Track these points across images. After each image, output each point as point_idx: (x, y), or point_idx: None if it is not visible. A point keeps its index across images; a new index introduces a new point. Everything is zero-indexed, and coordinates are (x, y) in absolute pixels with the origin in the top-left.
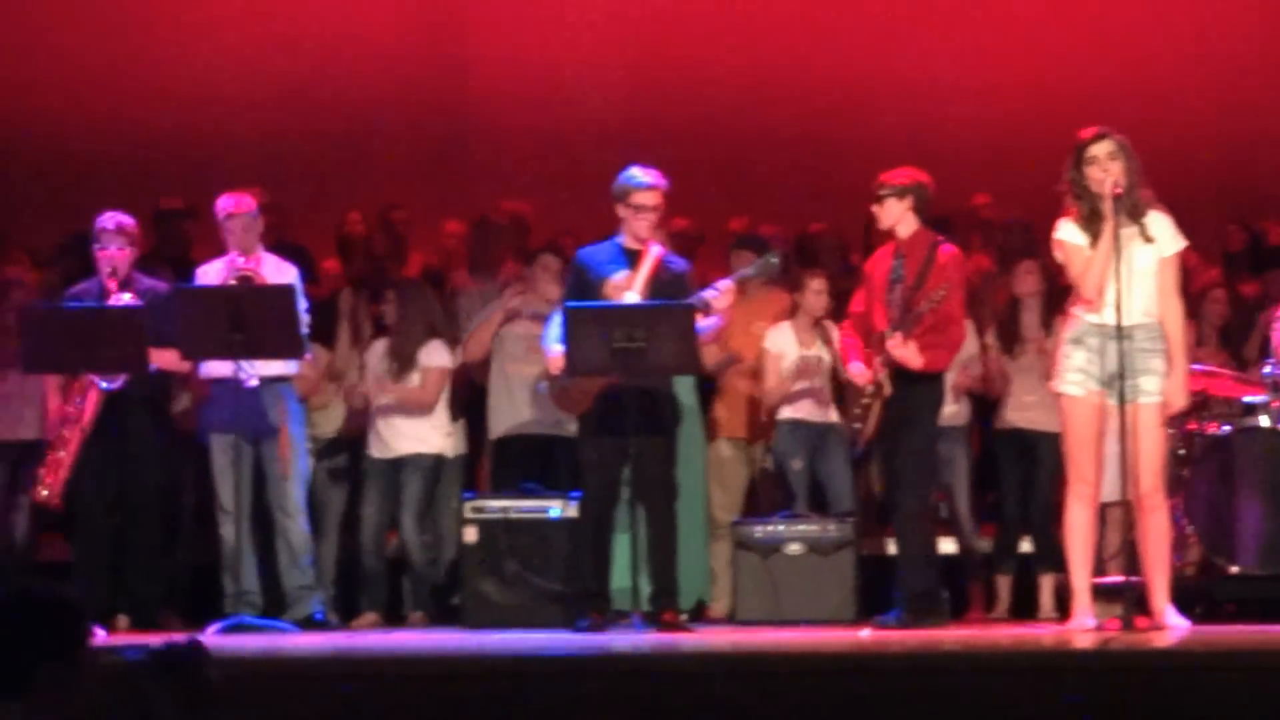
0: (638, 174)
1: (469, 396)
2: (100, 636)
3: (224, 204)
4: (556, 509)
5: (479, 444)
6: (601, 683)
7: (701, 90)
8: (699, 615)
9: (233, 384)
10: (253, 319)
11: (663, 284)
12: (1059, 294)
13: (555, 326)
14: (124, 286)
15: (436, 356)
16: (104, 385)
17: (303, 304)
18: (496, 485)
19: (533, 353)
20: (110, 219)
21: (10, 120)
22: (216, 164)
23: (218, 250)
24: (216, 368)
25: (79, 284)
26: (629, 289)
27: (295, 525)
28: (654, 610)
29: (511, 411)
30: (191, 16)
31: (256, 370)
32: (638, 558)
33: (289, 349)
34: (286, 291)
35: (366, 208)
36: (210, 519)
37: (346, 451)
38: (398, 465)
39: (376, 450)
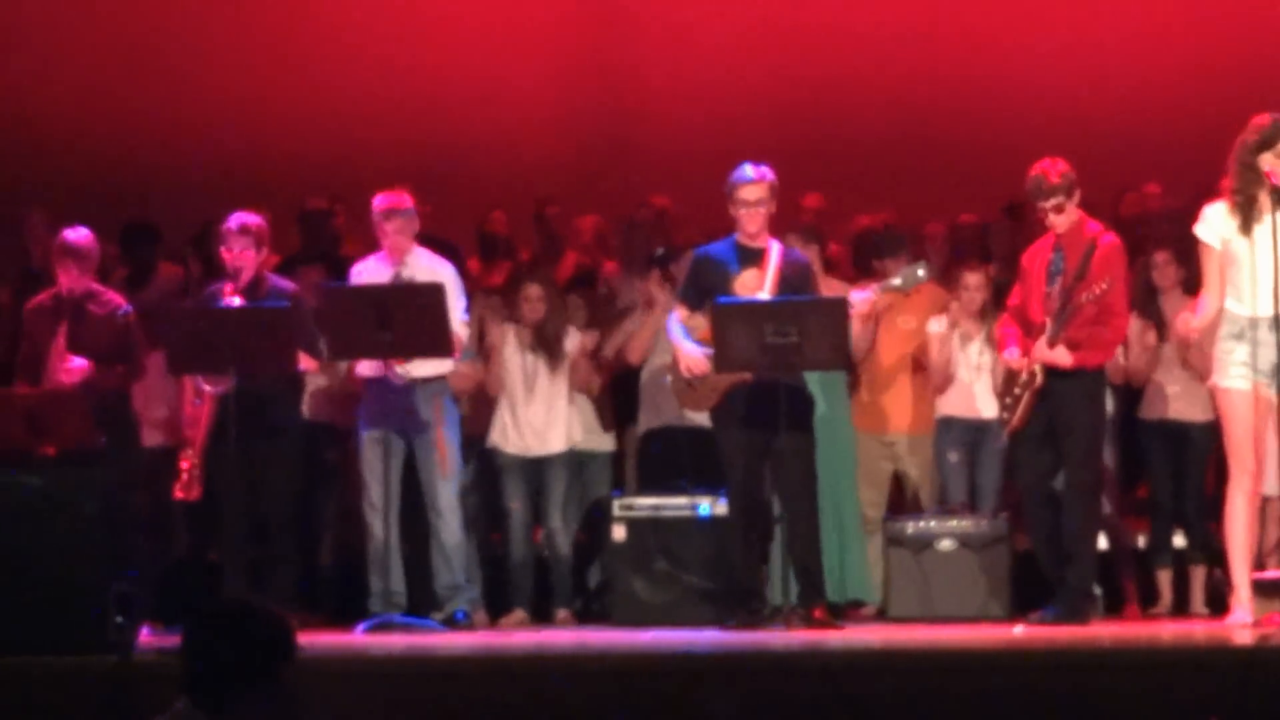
0: (742, 169)
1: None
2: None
3: (380, 201)
4: (706, 506)
5: (620, 440)
6: (751, 681)
7: (849, 89)
8: (850, 613)
9: (385, 382)
10: (401, 318)
11: (790, 280)
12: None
13: (675, 324)
14: (251, 287)
15: (574, 344)
16: (208, 388)
17: (461, 302)
18: (644, 482)
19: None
20: (235, 220)
21: (159, 119)
22: (363, 164)
23: (369, 248)
24: (369, 365)
25: (208, 285)
26: (759, 288)
27: (448, 525)
28: (803, 607)
29: (665, 406)
30: (340, 18)
31: (409, 369)
32: (785, 554)
33: (438, 348)
34: (435, 290)
35: (517, 206)
36: (353, 517)
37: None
38: (541, 461)
39: (515, 447)
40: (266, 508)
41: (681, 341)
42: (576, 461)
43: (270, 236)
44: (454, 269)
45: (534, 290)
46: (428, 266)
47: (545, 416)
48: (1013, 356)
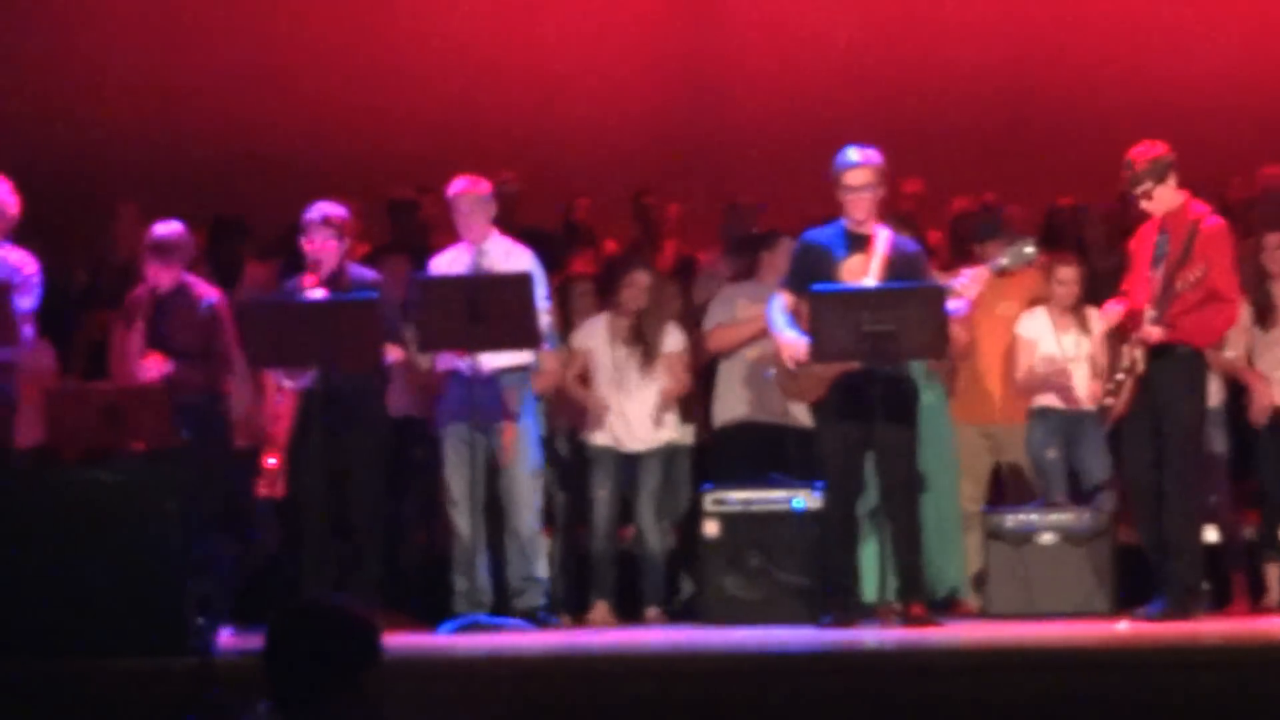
0: (847, 153)
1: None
2: None
3: (455, 185)
4: (800, 500)
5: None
6: (848, 680)
7: (942, 71)
8: (949, 608)
9: (464, 375)
10: (490, 309)
11: (898, 267)
12: None
13: (778, 311)
14: (333, 279)
15: (675, 341)
16: (288, 384)
17: (542, 291)
18: (720, 476)
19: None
20: (316, 210)
21: (247, 109)
22: (456, 153)
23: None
24: (449, 358)
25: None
26: (865, 274)
27: (526, 519)
28: (901, 604)
29: (744, 399)
30: (429, 8)
31: (490, 361)
32: (884, 550)
33: (525, 339)
34: (522, 280)
35: (608, 196)
36: (436, 514)
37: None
38: (632, 457)
39: (605, 439)
40: (350, 505)
41: (783, 330)
42: (667, 456)
43: (356, 228)
44: (534, 256)
45: (640, 278)
46: (505, 254)
47: (638, 410)
48: (1113, 310)
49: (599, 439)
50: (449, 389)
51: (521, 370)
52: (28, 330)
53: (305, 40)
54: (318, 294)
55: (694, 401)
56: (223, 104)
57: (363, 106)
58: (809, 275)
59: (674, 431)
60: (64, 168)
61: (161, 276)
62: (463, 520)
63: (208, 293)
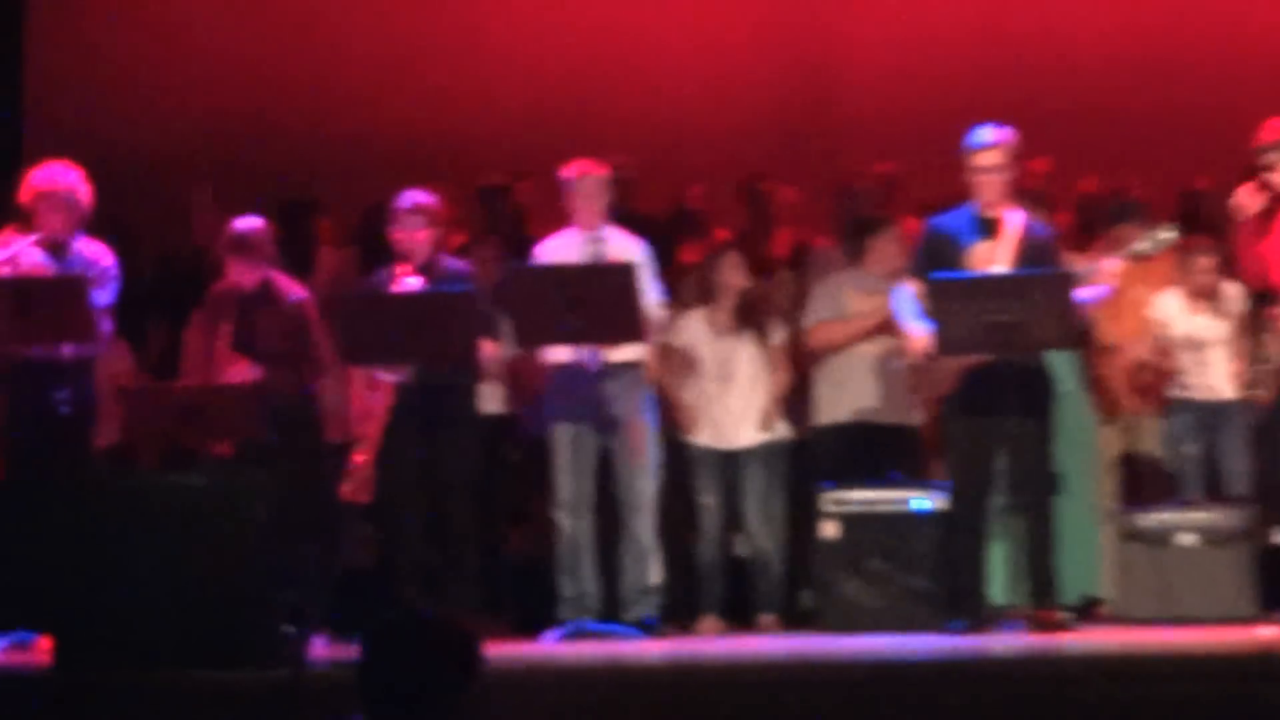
0: (978, 132)
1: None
2: None
3: (574, 167)
4: (923, 500)
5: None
6: (977, 689)
7: (1065, 45)
8: (1084, 613)
9: (577, 370)
10: (591, 300)
11: (1029, 253)
12: None
13: (906, 301)
14: (425, 271)
15: (777, 334)
16: (386, 377)
17: (657, 282)
18: (827, 477)
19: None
20: (407, 198)
21: (327, 93)
22: (555, 139)
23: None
24: (559, 352)
25: (377, 269)
26: (994, 261)
27: (643, 522)
28: (1033, 608)
29: (852, 395)
30: None
31: (604, 354)
32: (1014, 550)
33: (627, 332)
34: (626, 270)
35: (719, 183)
36: (532, 516)
37: None
38: (735, 455)
39: (707, 438)
40: (446, 508)
41: (910, 320)
42: (771, 454)
43: (449, 216)
44: (648, 246)
45: (734, 264)
46: (620, 243)
47: (740, 405)
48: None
49: (700, 438)
50: (559, 384)
51: (640, 366)
52: (106, 326)
53: (396, 22)
54: (413, 284)
55: (793, 398)
56: (302, 87)
57: (455, 90)
58: (935, 262)
59: (776, 423)
60: (134, 157)
61: (245, 275)
62: (571, 522)
63: (294, 290)
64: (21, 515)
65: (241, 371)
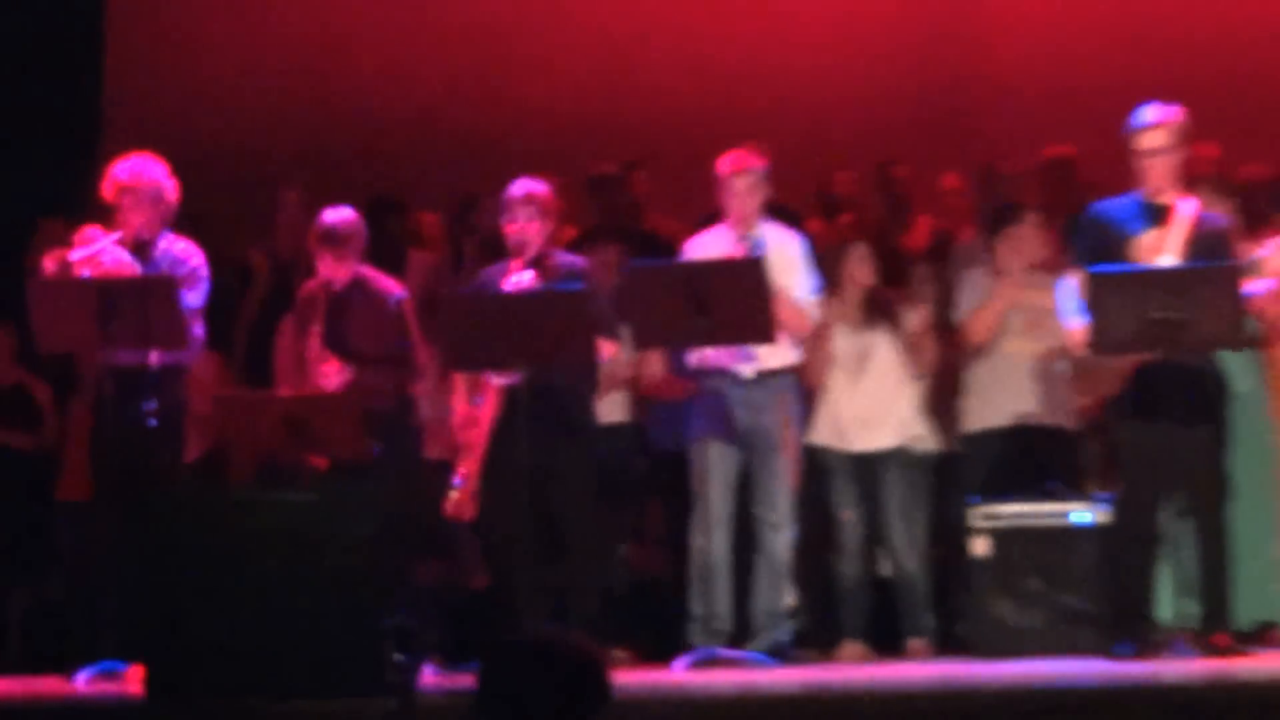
0: (1141, 112)
1: None
2: None
3: (725, 161)
4: (1083, 513)
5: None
6: (1145, 718)
7: (1227, 28)
8: (1259, 638)
9: (721, 375)
10: (720, 299)
11: (1202, 244)
12: None
13: (1068, 295)
14: (537, 266)
15: (917, 319)
16: (496, 380)
17: (811, 279)
18: (975, 489)
19: (1036, 327)
20: (519, 187)
21: (420, 83)
22: (670, 124)
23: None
24: (710, 355)
25: (474, 266)
26: (1163, 250)
27: (783, 539)
28: (1204, 631)
29: (1007, 398)
30: None
31: (755, 360)
32: (1185, 569)
33: (760, 332)
34: (754, 266)
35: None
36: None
37: None
38: (872, 459)
39: (830, 437)
40: (563, 524)
41: (1073, 317)
42: (913, 461)
43: (560, 208)
44: (803, 242)
45: (858, 254)
46: (778, 239)
47: (874, 404)
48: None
49: (826, 438)
50: (701, 392)
51: (789, 372)
52: (197, 330)
53: (494, 7)
54: (525, 281)
55: (939, 404)
56: (392, 77)
57: (560, 74)
58: (1097, 253)
59: (916, 428)
60: (217, 152)
61: (336, 270)
62: (709, 542)
63: (389, 287)
64: (108, 536)
65: (332, 373)
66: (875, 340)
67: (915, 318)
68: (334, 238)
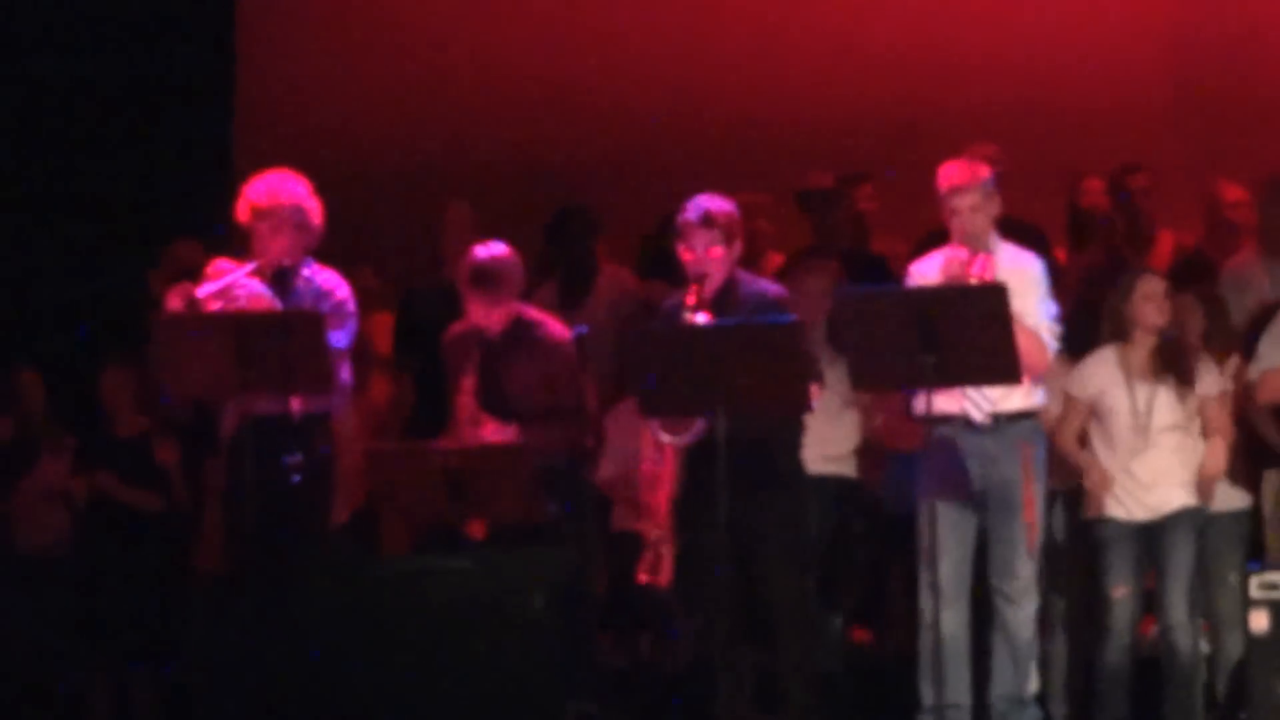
0: None
1: None
2: None
3: (949, 174)
4: None
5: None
6: None
7: None
8: None
9: (957, 422)
10: (947, 332)
11: None
12: None
13: None
14: (720, 296)
15: (1211, 382)
16: (667, 438)
17: (1050, 306)
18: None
19: None
20: (694, 208)
21: (600, 90)
22: (889, 130)
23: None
24: (936, 401)
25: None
26: None
27: (1023, 613)
28: None
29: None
30: None
31: (991, 404)
32: None
33: (1003, 372)
34: (994, 294)
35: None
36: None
37: None
38: (1154, 527)
39: (1122, 509)
40: (768, 595)
41: None
42: (1200, 525)
43: (757, 229)
44: (1042, 265)
45: (1151, 288)
46: (1013, 260)
47: (1161, 467)
48: None
49: (1115, 510)
50: (932, 441)
51: (1032, 418)
52: (344, 373)
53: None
54: (701, 316)
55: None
56: (567, 91)
57: (758, 81)
58: None
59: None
60: (367, 171)
61: (489, 315)
62: (943, 616)
63: (555, 330)
64: (248, 609)
65: (494, 435)
66: (1162, 392)
67: (1207, 378)
68: (486, 277)
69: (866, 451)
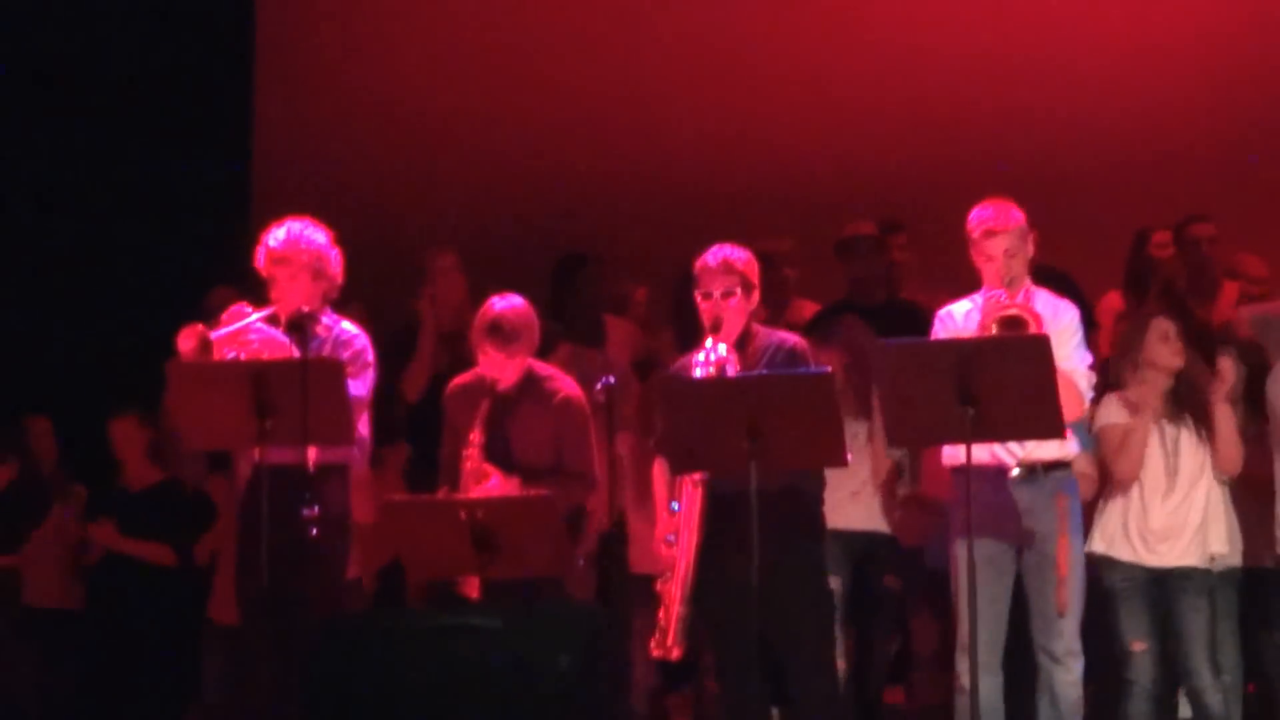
0: None
1: None
2: None
3: (983, 218)
4: None
5: None
6: None
7: None
8: None
9: (988, 474)
10: (984, 385)
11: None
12: None
13: None
14: (739, 344)
15: (1227, 424)
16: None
17: (1085, 355)
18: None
19: None
20: (713, 255)
21: (609, 133)
22: (926, 176)
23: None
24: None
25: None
26: None
27: (1068, 674)
28: None
29: None
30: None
31: (1024, 451)
32: None
33: (1045, 425)
34: (1035, 346)
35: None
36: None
37: None
38: (1163, 583)
39: (1126, 552)
40: (792, 653)
41: None
42: (1211, 585)
43: (768, 278)
44: (1077, 313)
45: (1164, 330)
46: (1050, 309)
47: (1179, 512)
48: None
49: (1123, 553)
50: (963, 493)
51: (1067, 468)
52: (362, 424)
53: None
54: (713, 368)
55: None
56: (596, 141)
57: (785, 122)
58: None
59: (1225, 545)
60: (380, 221)
61: (503, 369)
62: (978, 677)
63: (564, 387)
64: (262, 667)
65: (499, 490)
66: (1181, 434)
67: (1224, 422)
68: (502, 331)
69: (904, 503)
